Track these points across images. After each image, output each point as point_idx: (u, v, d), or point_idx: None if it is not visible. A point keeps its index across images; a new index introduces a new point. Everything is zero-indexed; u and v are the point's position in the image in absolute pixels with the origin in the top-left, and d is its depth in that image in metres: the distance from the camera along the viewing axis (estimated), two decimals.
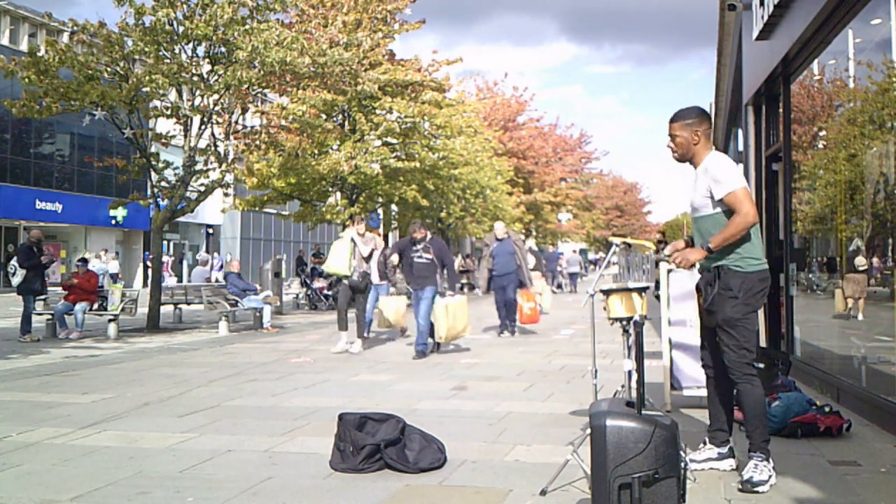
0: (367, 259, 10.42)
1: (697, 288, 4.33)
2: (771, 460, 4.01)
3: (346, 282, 10.40)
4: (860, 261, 6.19)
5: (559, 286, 31.95)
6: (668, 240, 13.80)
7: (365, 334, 10.69)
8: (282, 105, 17.63)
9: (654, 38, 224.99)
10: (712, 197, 4.08)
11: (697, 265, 4.38)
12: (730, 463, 4.31)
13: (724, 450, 4.32)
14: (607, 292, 4.52)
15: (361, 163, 18.59)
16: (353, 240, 10.26)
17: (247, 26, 13.35)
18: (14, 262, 12.39)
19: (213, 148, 14.86)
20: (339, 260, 10.26)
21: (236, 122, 15.57)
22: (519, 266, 12.27)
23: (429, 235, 10.18)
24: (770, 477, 3.94)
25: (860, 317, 6.35)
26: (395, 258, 10.12)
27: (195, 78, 13.98)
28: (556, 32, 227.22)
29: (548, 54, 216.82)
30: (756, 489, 3.88)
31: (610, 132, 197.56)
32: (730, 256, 4.05)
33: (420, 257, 9.96)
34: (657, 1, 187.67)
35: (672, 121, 4.27)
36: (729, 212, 4.04)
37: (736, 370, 4.05)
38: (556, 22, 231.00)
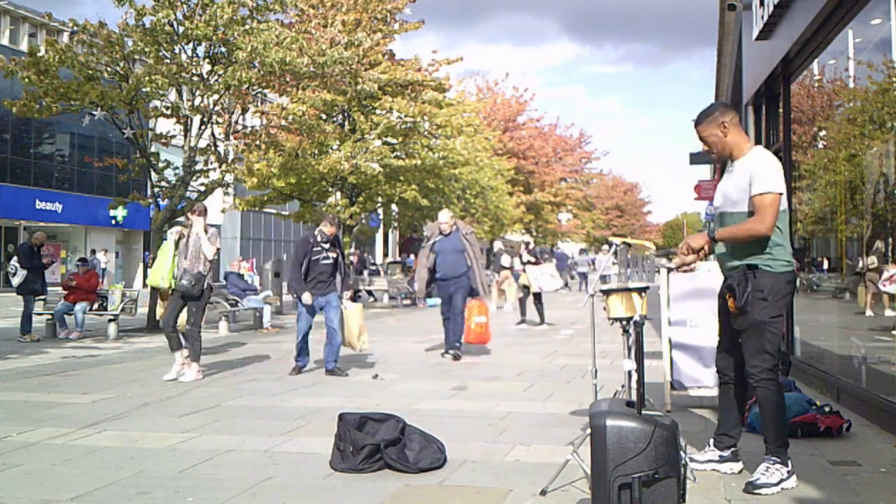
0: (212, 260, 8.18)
1: (725, 289, 4.10)
2: (789, 464, 3.94)
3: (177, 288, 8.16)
4: (872, 261, 6.18)
5: (566, 285, 32.42)
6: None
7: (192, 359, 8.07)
8: (282, 105, 17.64)
9: (656, 37, 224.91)
10: (750, 191, 3.93)
11: (698, 267, 4.36)
12: (731, 466, 4.25)
13: (727, 453, 4.26)
14: (607, 292, 4.52)
15: (361, 162, 18.60)
16: (176, 243, 8.10)
17: (247, 26, 13.35)
18: (14, 262, 12.39)
19: (213, 148, 14.87)
20: (157, 269, 8.24)
21: (236, 122, 15.57)
22: (470, 268, 9.48)
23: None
24: (781, 481, 3.87)
25: (868, 312, 6.33)
26: (307, 297, 8.26)
27: (195, 78, 13.98)
28: (557, 32, 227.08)
29: (550, 54, 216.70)
30: (757, 491, 3.84)
31: (611, 132, 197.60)
32: (760, 256, 3.94)
33: (326, 258, 8.34)
34: (659, 1, 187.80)
35: (697, 124, 4.16)
36: (751, 212, 3.94)
37: (755, 374, 3.97)
38: (557, 21, 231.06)
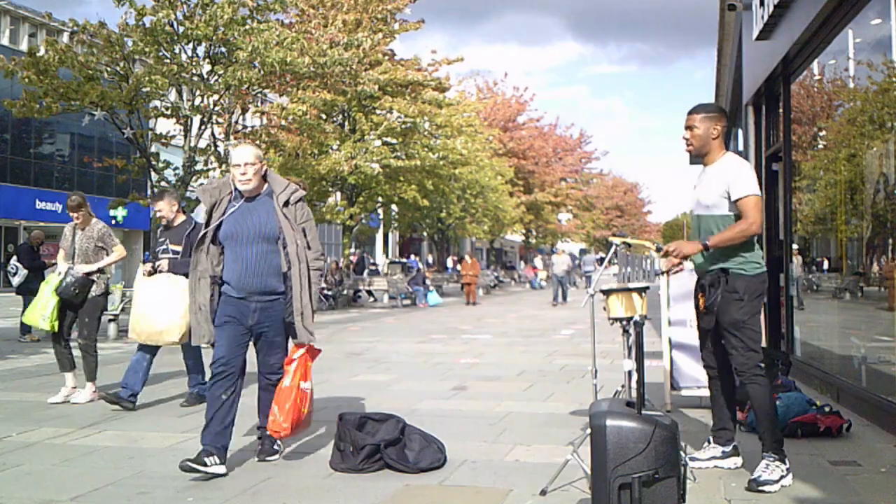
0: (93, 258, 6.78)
1: (698, 288, 4.31)
2: (787, 461, 4.00)
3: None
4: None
5: (573, 284, 32.76)
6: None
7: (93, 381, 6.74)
8: (282, 105, 17.66)
9: (660, 37, 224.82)
10: (729, 197, 4.07)
11: (692, 264, 4.40)
12: (734, 461, 4.30)
13: (728, 448, 4.32)
14: (607, 292, 4.51)
15: (361, 163, 18.62)
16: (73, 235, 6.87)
17: (247, 26, 13.38)
18: (14, 261, 12.39)
19: (213, 148, 14.88)
20: (36, 306, 6.58)
21: (236, 122, 15.60)
22: (289, 279, 4.53)
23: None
24: (781, 478, 3.92)
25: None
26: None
27: (195, 78, 14.01)
28: (562, 31, 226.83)
29: (554, 54, 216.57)
30: (761, 488, 3.88)
31: (613, 132, 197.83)
32: (733, 259, 4.06)
33: (166, 250, 6.45)
34: (663, 1, 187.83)
35: (692, 112, 4.23)
36: (737, 215, 4.05)
37: (744, 371, 4.06)
38: (562, 21, 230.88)
